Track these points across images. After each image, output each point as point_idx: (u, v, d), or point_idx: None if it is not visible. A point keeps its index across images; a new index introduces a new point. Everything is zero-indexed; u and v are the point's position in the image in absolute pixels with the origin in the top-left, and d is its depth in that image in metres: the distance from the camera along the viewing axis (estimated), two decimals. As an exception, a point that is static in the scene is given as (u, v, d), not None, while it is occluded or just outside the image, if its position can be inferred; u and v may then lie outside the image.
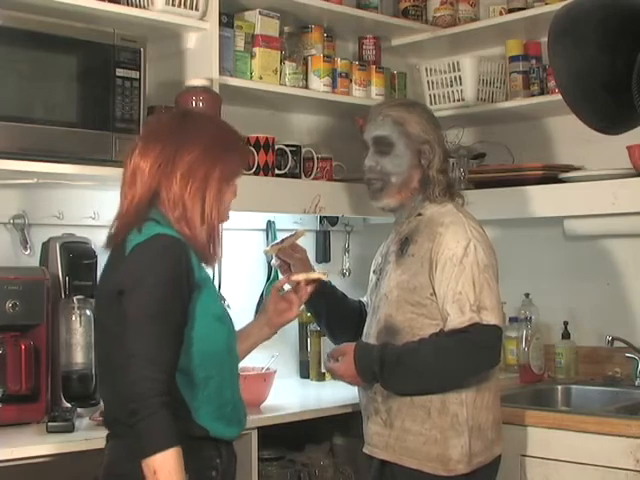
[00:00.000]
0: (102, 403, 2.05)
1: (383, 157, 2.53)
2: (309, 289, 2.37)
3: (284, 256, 2.63)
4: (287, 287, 2.41)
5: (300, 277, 2.37)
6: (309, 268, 2.66)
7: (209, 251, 1.97)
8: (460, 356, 2.34)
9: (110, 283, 1.90)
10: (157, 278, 1.83)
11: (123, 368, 1.79)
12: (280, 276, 2.85)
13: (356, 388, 2.53)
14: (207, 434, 1.93)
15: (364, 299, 2.69)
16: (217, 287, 3.00)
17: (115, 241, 1.96)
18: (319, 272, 2.47)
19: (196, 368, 1.90)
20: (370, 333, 2.50)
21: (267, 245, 3.16)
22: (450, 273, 2.35)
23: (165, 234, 1.88)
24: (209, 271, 2.04)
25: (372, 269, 2.64)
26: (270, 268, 3.24)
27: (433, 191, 2.49)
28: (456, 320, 2.33)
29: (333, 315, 2.70)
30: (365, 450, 2.50)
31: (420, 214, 2.50)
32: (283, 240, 2.65)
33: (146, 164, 1.95)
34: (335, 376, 2.49)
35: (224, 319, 2.00)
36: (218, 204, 1.98)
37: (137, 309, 1.81)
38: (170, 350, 1.82)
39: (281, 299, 2.33)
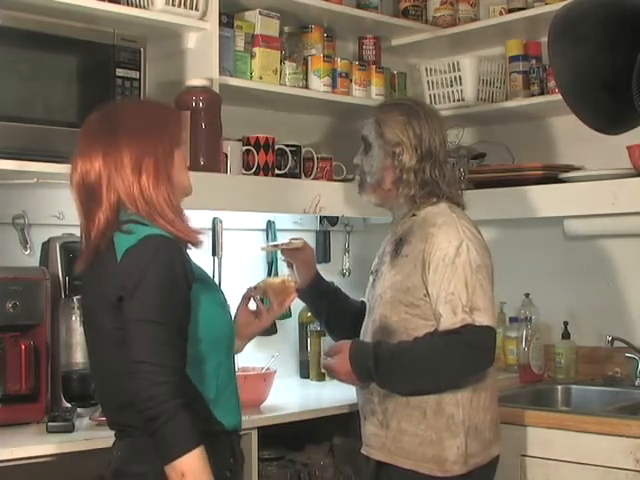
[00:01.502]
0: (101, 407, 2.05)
1: (365, 156, 2.56)
2: (290, 298, 2.30)
3: (287, 257, 2.67)
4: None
5: (265, 283, 2.29)
6: (312, 270, 2.68)
7: (190, 234, 1.93)
8: (453, 357, 2.33)
9: (107, 288, 1.86)
10: (155, 281, 1.80)
11: (130, 374, 1.78)
12: (284, 271, 2.88)
13: (356, 388, 2.53)
14: (223, 428, 1.94)
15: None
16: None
17: (91, 260, 1.91)
18: (286, 278, 2.36)
19: (207, 356, 1.91)
20: (366, 333, 2.51)
21: (266, 243, 3.20)
22: (442, 274, 2.35)
23: (155, 235, 1.85)
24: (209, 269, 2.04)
25: (370, 269, 2.64)
26: (270, 267, 3.24)
27: (406, 192, 2.48)
28: (448, 321, 2.32)
29: (333, 315, 2.71)
30: (363, 451, 2.49)
31: (414, 215, 2.50)
32: (278, 244, 2.73)
33: (97, 176, 1.88)
34: (331, 374, 2.49)
35: (226, 305, 2.03)
36: (183, 175, 1.96)
37: (140, 314, 1.79)
38: (177, 351, 1.81)
39: (249, 310, 2.28)
